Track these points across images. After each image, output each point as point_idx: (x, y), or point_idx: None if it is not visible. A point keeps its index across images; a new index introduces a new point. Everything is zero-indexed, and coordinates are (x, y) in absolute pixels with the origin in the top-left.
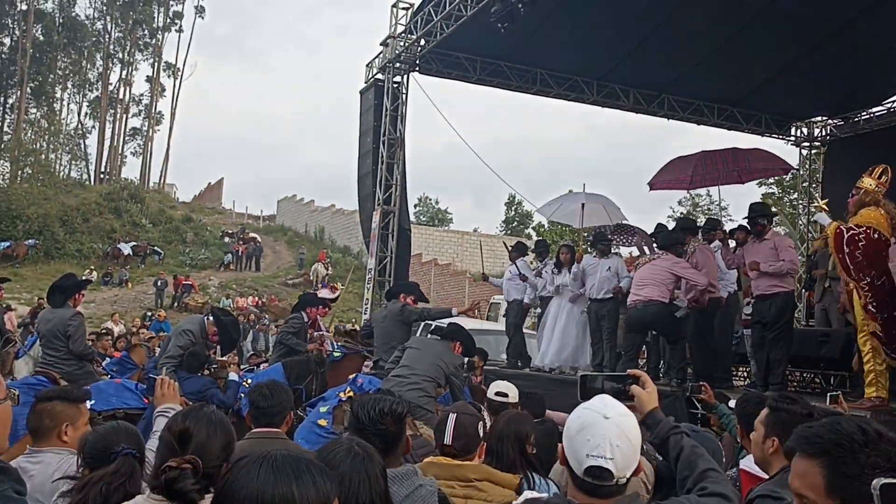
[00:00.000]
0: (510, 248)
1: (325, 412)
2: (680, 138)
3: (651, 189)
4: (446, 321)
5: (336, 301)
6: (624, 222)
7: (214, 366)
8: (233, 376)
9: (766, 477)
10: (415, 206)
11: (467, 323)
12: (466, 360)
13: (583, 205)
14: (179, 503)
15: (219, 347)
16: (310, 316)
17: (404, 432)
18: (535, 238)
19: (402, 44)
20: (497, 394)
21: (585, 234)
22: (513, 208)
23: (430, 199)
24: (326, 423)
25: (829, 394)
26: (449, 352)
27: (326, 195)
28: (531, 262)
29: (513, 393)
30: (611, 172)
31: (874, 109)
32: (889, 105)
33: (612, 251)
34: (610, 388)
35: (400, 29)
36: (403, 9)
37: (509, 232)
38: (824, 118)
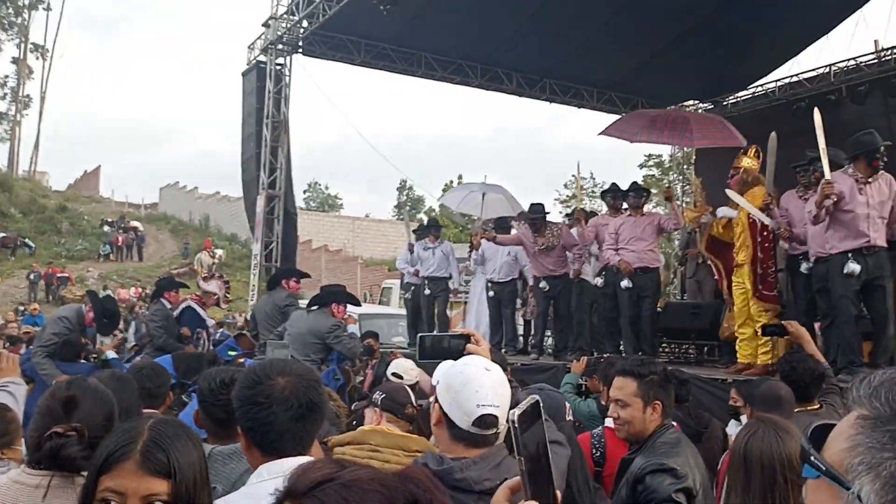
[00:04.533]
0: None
1: None
2: (565, 123)
3: (600, 133)
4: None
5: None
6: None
7: (94, 355)
8: (110, 354)
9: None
10: (304, 191)
11: (362, 307)
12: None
13: (483, 195)
14: (63, 472)
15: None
16: (172, 302)
17: None
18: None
19: (284, 25)
20: (393, 374)
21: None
22: (405, 193)
23: (320, 185)
24: None
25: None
26: (319, 320)
27: (212, 182)
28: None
29: (409, 375)
30: (502, 156)
31: (740, 94)
32: (753, 90)
33: None
34: (456, 345)
35: (282, 10)
36: None
37: (401, 217)
38: (696, 102)
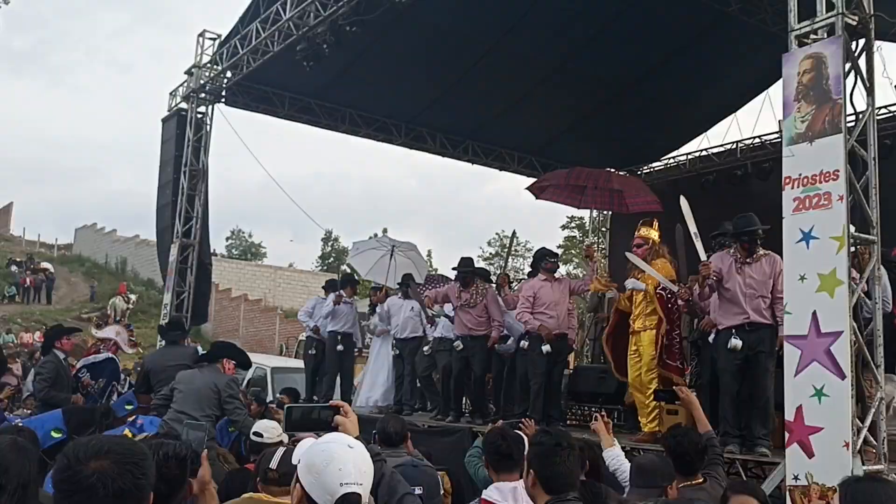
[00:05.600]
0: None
1: None
2: (493, 181)
3: (537, 197)
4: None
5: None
6: (431, 273)
7: None
8: None
9: None
10: (227, 238)
11: (277, 360)
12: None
13: (392, 257)
14: None
15: None
16: (65, 351)
17: (186, 476)
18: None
19: (207, 74)
20: (254, 433)
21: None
22: (329, 244)
23: (244, 233)
24: None
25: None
26: (215, 375)
27: (131, 225)
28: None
29: (271, 434)
30: (429, 210)
31: (654, 164)
32: (666, 161)
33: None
34: (325, 416)
35: (206, 59)
36: (210, 39)
37: (325, 268)
38: (614, 170)
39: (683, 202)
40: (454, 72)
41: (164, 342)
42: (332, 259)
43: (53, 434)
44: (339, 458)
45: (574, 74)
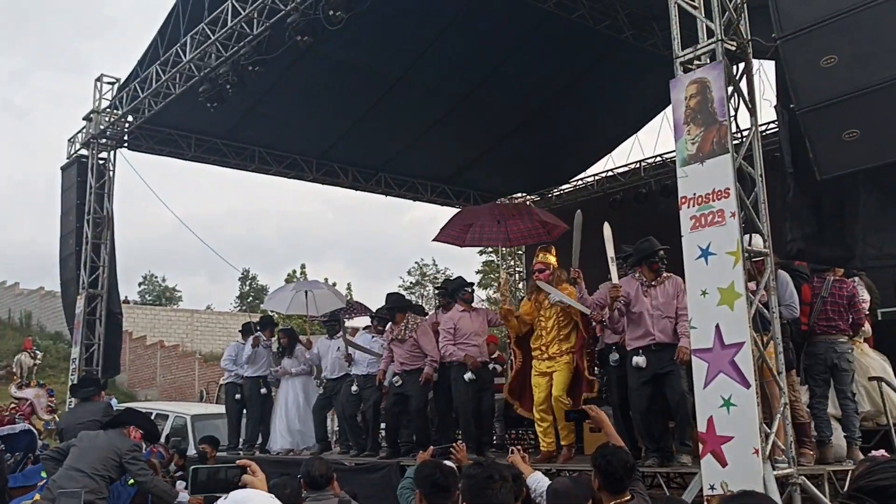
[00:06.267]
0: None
1: None
2: (410, 211)
3: (434, 240)
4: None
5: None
6: (350, 301)
7: None
8: None
9: None
10: (139, 284)
11: (197, 408)
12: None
13: (307, 292)
14: None
15: None
16: None
17: None
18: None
19: (107, 119)
20: None
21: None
22: (247, 283)
23: (157, 278)
24: None
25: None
26: (120, 439)
27: (35, 277)
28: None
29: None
30: (347, 242)
31: (563, 186)
32: (574, 183)
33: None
34: (232, 476)
35: (105, 104)
36: (109, 83)
37: (244, 308)
38: (524, 194)
39: (606, 229)
40: (361, 105)
41: (76, 400)
42: (250, 298)
43: None
44: None
45: (480, 104)
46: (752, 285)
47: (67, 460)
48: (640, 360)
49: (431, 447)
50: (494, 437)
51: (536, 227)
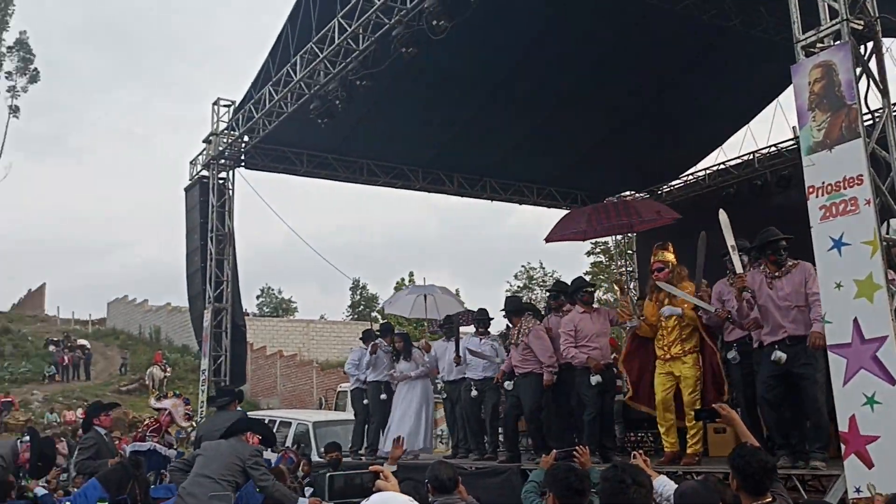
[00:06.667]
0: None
1: None
2: (514, 215)
3: (547, 242)
4: None
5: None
6: (462, 309)
7: (27, 493)
8: (39, 490)
9: None
10: (257, 297)
11: (318, 415)
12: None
13: (425, 297)
14: None
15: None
16: (105, 426)
17: None
18: (381, 321)
19: (225, 140)
20: None
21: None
22: (358, 292)
23: (273, 290)
24: None
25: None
26: (241, 445)
27: (161, 294)
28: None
29: None
30: (452, 249)
31: (674, 182)
32: (685, 178)
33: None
34: (367, 482)
35: (222, 126)
36: (225, 106)
37: (356, 317)
38: (633, 192)
39: (722, 215)
40: (466, 112)
41: (214, 409)
42: (361, 307)
43: None
44: None
45: (584, 103)
46: (891, 273)
47: (194, 468)
48: (780, 356)
49: (554, 451)
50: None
51: (651, 215)
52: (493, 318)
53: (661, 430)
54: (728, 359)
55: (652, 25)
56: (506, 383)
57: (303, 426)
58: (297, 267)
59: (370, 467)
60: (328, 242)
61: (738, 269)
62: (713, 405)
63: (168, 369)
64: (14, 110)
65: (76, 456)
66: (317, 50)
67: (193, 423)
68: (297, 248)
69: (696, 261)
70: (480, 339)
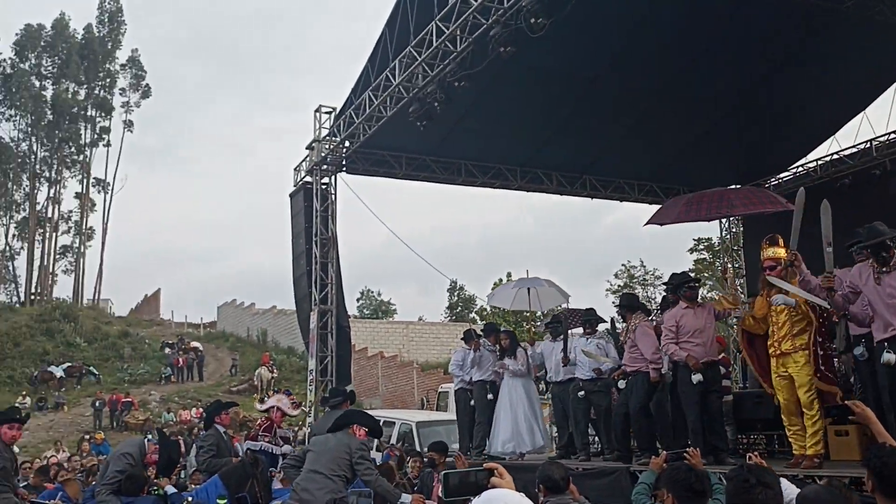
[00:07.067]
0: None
1: None
2: (612, 212)
3: (645, 224)
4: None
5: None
6: (565, 306)
7: (154, 488)
8: (170, 489)
9: None
10: (357, 299)
11: (420, 415)
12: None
13: (528, 290)
14: None
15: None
16: (224, 424)
17: None
18: (479, 322)
19: (327, 146)
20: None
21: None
22: (455, 294)
23: (373, 292)
24: None
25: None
26: (348, 438)
27: (266, 297)
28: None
29: None
30: (548, 250)
31: (781, 175)
32: (794, 170)
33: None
34: (482, 479)
35: (324, 132)
36: (326, 113)
37: (454, 318)
38: (737, 186)
39: (825, 207)
40: (563, 109)
41: (328, 409)
42: (459, 308)
43: (219, 501)
44: None
45: (683, 96)
46: None
47: (306, 465)
48: (889, 358)
49: (664, 452)
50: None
51: (754, 200)
52: (603, 320)
53: (790, 434)
54: (856, 355)
55: (751, 15)
56: (619, 382)
57: (406, 426)
58: (395, 269)
59: (485, 464)
60: (425, 244)
61: (829, 266)
62: (846, 402)
63: (275, 370)
64: (128, 125)
65: (198, 453)
66: (415, 53)
67: (303, 409)
68: (395, 251)
69: (793, 221)
70: (587, 339)
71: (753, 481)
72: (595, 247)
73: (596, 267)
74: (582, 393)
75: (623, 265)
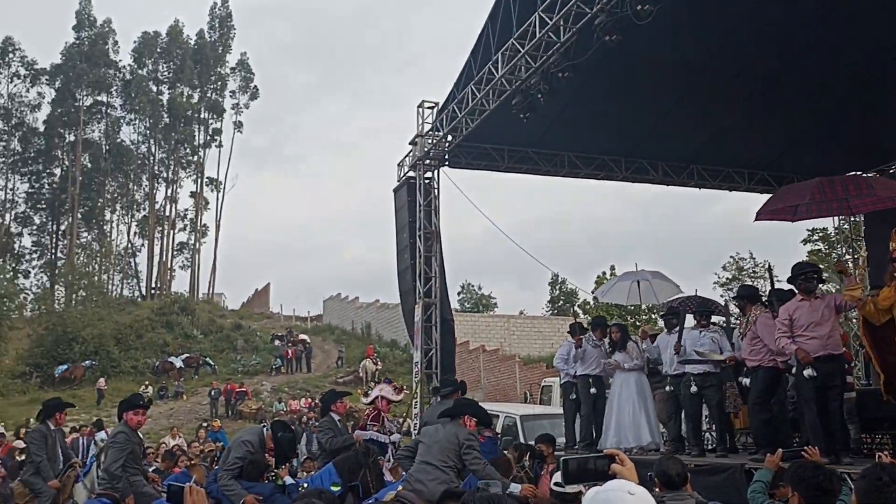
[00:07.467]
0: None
1: None
2: (718, 202)
3: (756, 220)
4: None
5: (399, 402)
6: (679, 296)
7: (272, 474)
8: (288, 479)
9: None
10: (458, 293)
11: (524, 408)
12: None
13: (638, 283)
14: None
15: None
16: (339, 413)
17: None
18: (583, 316)
19: (430, 141)
20: (555, 483)
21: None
22: (557, 287)
23: (473, 286)
24: None
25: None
26: (456, 428)
27: (370, 291)
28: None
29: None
30: (651, 242)
31: None
32: None
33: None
34: (601, 466)
35: (427, 127)
36: (429, 108)
37: (555, 312)
38: (856, 173)
39: None
40: (669, 97)
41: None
42: (561, 302)
43: (333, 488)
44: None
45: (794, 82)
46: None
47: (418, 456)
48: None
49: (780, 450)
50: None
51: (879, 195)
52: (719, 307)
53: None
54: None
55: None
56: (741, 379)
57: (510, 419)
58: (495, 263)
59: (604, 451)
60: (525, 237)
61: None
62: None
63: (379, 362)
64: (238, 126)
65: (317, 437)
66: (518, 46)
67: (406, 393)
68: (494, 245)
69: None
70: (701, 332)
71: (887, 479)
72: (701, 238)
73: (703, 259)
74: (694, 388)
75: (731, 257)
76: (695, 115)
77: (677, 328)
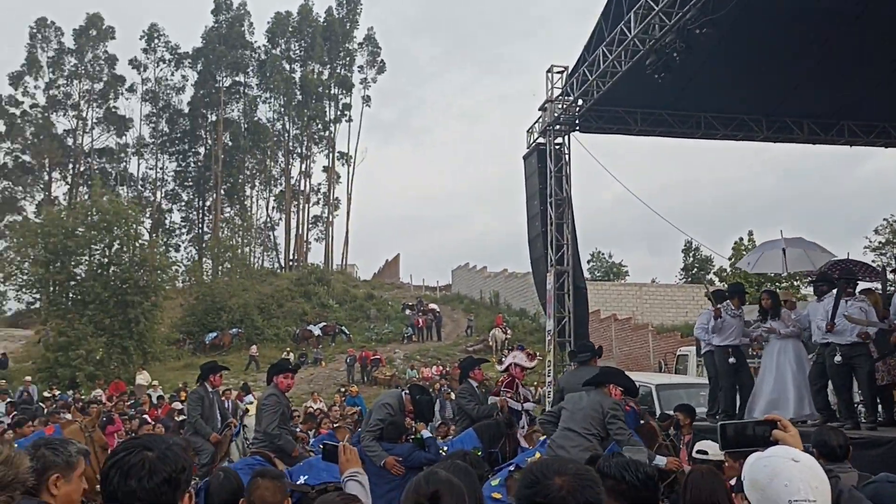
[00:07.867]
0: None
1: (498, 485)
2: (869, 161)
3: None
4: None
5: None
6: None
7: (412, 434)
8: (426, 433)
9: None
10: (588, 261)
11: (659, 378)
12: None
13: (784, 250)
14: None
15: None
16: (477, 379)
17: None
18: (718, 284)
19: (560, 106)
20: (698, 451)
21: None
22: (690, 254)
23: (603, 254)
24: (501, 497)
25: None
26: (601, 397)
27: (498, 260)
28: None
29: (713, 451)
30: (791, 206)
31: None
32: None
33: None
34: (762, 432)
35: (556, 92)
36: (558, 72)
37: (689, 280)
38: None
39: None
40: (815, 51)
41: (574, 364)
42: (695, 269)
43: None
44: (783, 472)
45: None
46: None
47: (561, 422)
48: None
49: None
50: None
51: None
52: (865, 276)
53: None
54: None
55: None
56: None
57: (645, 388)
58: (624, 229)
59: (765, 417)
60: (656, 202)
61: None
62: None
63: (508, 331)
64: (366, 100)
65: (461, 401)
66: (651, 3)
67: (538, 358)
68: (624, 211)
69: None
70: (847, 301)
71: None
72: (849, 200)
73: (851, 222)
74: (839, 358)
75: (885, 219)
76: (845, 68)
77: (826, 296)
